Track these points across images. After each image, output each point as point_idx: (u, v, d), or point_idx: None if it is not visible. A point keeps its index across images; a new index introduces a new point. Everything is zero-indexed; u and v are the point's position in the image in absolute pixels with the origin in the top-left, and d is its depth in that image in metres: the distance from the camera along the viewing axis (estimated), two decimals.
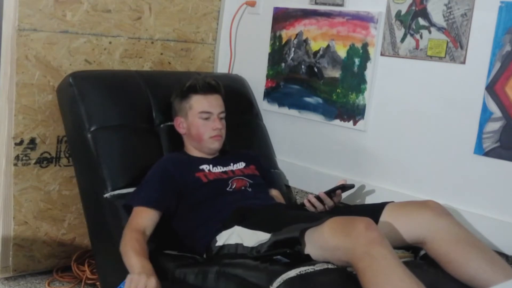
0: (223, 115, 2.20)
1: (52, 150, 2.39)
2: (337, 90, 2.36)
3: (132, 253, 1.84)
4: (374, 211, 1.84)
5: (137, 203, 2.01)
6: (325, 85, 2.40)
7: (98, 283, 2.34)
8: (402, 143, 2.20)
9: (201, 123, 2.15)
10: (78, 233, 2.52)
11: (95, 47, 2.42)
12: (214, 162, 2.17)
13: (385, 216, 1.83)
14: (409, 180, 2.17)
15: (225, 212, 1.97)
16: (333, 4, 2.36)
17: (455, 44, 2.03)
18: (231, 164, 2.19)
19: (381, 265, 1.50)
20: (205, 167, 2.13)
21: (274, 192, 2.28)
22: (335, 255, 1.63)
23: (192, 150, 2.20)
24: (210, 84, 2.19)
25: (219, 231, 1.92)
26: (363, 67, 2.27)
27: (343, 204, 2.18)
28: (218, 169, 2.15)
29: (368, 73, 2.26)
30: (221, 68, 2.82)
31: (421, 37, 2.11)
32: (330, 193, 2.06)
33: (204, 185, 2.06)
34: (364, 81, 2.27)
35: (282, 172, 2.56)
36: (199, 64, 2.76)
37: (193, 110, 2.16)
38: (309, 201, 2.06)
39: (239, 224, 1.89)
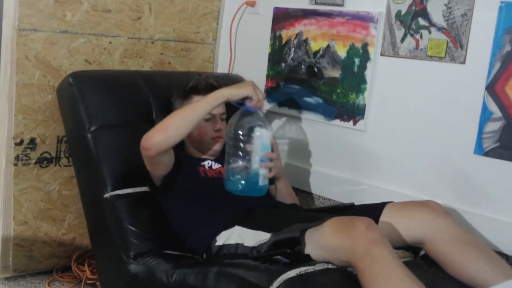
0: (224, 116, 2.20)
1: (52, 150, 2.39)
2: (337, 90, 2.36)
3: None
4: (373, 211, 1.84)
5: None
6: (325, 85, 2.40)
7: (98, 283, 2.34)
8: (402, 143, 2.20)
9: (202, 124, 2.15)
10: (78, 233, 2.52)
11: (95, 47, 2.42)
12: (215, 160, 2.17)
13: (384, 216, 1.83)
14: (409, 180, 2.17)
15: (224, 212, 1.97)
16: (333, 4, 2.36)
17: (455, 44, 2.03)
18: None
19: (382, 265, 1.50)
20: (206, 163, 2.14)
21: (281, 183, 2.24)
22: (335, 255, 1.63)
23: (193, 151, 2.20)
24: (212, 85, 2.19)
25: (219, 231, 1.93)
26: (363, 67, 2.27)
27: (343, 205, 2.17)
28: (219, 165, 2.15)
29: (368, 73, 2.26)
30: (221, 68, 2.82)
31: (421, 37, 2.11)
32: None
33: (202, 180, 2.06)
34: (364, 81, 2.27)
35: None
36: (199, 64, 2.76)
37: None
38: None
39: (239, 224, 1.89)
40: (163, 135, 1.91)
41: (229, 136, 2.01)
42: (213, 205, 2.01)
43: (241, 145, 1.97)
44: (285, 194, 2.23)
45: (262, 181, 1.99)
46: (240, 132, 1.98)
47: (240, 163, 1.98)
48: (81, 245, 2.53)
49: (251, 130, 1.98)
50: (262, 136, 1.98)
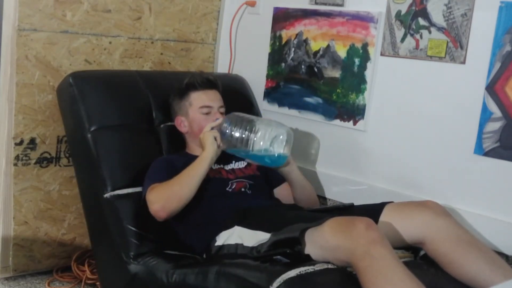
0: (223, 109, 2.20)
1: (52, 150, 2.39)
2: (337, 90, 2.36)
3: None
4: (373, 211, 1.84)
5: (149, 184, 2.02)
6: (325, 85, 2.40)
7: (98, 283, 2.34)
8: (402, 143, 2.20)
9: (202, 118, 2.15)
10: (78, 233, 2.52)
11: (95, 47, 2.42)
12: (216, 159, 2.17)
13: (384, 216, 1.83)
14: (409, 180, 2.17)
15: (225, 212, 1.97)
16: (333, 4, 2.36)
17: (455, 44, 2.03)
18: (233, 162, 2.19)
19: (381, 265, 1.50)
20: None
21: (284, 186, 2.25)
22: (335, 255, 1.63)
23: (195, 149, 2.19)
24: (208, 79, 2.21)
25: (219, 231, 1.93)
26: (363, 67, 2.27)
27: (343, 205, 2.18)
28: (219, 166, 2.15)
29: (368, 73, 2.26)
30: (221, 68, 2.82)
31: (421, 37, 2.11)
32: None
33: (204, 181, 2.06)
34: (364, 81, 2.27)
35: None
36: (199, 64, 2.76)
37: (193, 107, 2.17)
38: None
39: (239, 224, 1.89)
40: (177, 203, 1.95)
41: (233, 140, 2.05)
42: (213, 205, 2.01)
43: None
44: (286, 197, 2.23)
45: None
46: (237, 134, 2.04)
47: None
48: (81, 245, 2.53)
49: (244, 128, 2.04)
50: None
